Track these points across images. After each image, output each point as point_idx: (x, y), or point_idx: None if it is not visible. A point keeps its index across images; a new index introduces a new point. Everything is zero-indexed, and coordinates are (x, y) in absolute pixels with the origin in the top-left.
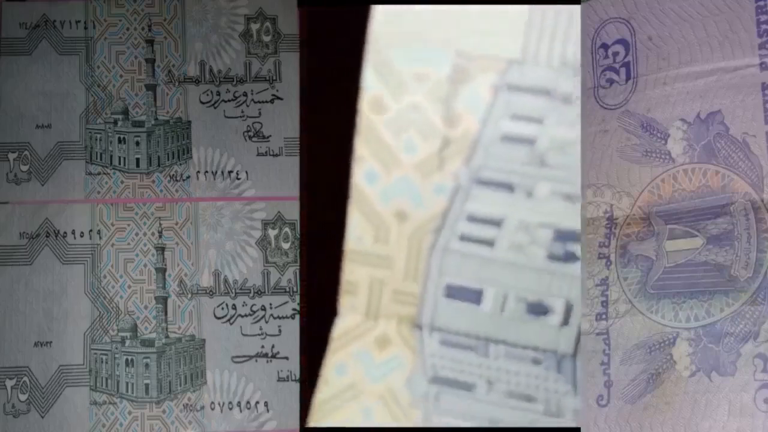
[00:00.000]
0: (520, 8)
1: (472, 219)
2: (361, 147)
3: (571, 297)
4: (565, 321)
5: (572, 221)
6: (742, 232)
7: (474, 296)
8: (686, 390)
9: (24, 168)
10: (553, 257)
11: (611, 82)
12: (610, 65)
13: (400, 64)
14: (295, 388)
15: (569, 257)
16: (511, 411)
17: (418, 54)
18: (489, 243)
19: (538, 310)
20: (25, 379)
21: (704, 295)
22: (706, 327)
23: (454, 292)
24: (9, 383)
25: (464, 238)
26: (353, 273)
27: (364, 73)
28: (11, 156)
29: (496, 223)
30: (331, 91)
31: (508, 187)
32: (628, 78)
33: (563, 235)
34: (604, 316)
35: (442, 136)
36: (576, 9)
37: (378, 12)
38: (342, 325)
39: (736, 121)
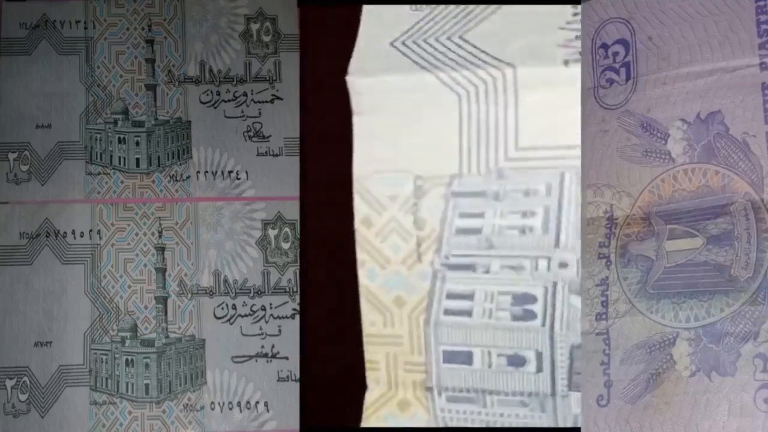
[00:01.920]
0: (453, 135)
1: (451, 296)
2: (360, 254)
3: (537, 347)
4: (539, 368)
5: (522, 287)
6: (742, 232)
7: (466, 357)
8: (686, 390)
9: (24, 168)
10: (515, 317)
11: (611, 82)
12: (610, 65)
13: (377, 190)
14: (295, 388)
15: (527, 315)
16: None
17: (388, 181)
18: (467, 313)
19: (517, 361)
20: (25, 379)
21: (704, 295)
22: (706, 327)
23: (450, 357)
24: (9, 383)
25: (448, 311)
26: (373, 353)
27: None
28: (11, 156)
29: (469, 296)
30: (332, 91)
31: (471, 268)
32: (628, 78)
33: (518, 299)
34: (604, 316)
35: (415, 236)
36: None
37: (356, 152)
38: (371, 396)
39: (736, 121)
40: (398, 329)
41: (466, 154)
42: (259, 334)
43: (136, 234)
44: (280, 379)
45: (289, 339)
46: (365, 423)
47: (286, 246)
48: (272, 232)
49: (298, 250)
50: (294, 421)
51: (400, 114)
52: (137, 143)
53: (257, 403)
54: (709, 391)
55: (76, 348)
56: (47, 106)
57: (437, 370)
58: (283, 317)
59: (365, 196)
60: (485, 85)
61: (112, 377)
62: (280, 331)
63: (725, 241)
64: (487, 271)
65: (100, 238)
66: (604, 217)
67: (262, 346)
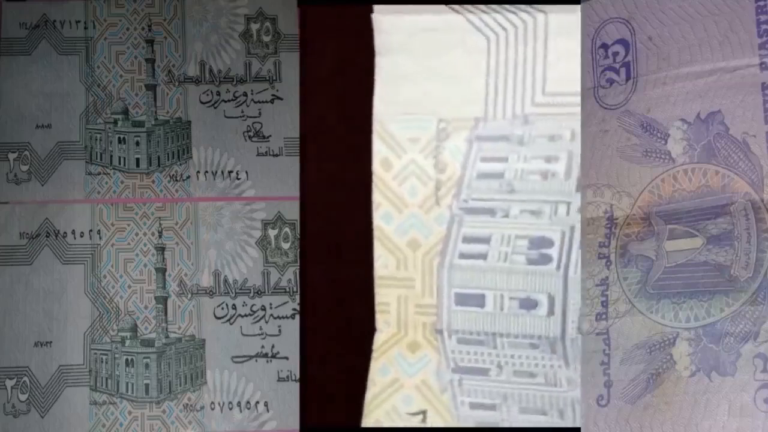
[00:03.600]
0: (479, 78)
1: (467, 240)
2: (377, 196)
3: (551, 291)
4: (551, 311)
5: (540, 231)
6: (742, 232)
7: (478, 300)
8: (686, 390)
9: (24, 168)
10: (530, 261)
11: (611, 82)
12: (610, 65)
13: (398, 133)
14: (295, 388)
15: (543, 259)
16: (518, 386)
17: (411, 124)
18: (482, 256)
19: (528, 305)
20: (25, 379)
21: (704, 295)
22: (706, 327)
23: (462, 299)
24: (9, 383)
25: (463, 255)
26: (384, 295)
27: (363, 73)
28: (11, 156)
29: (485, 240)
30: (332, 91)
31: (490, 212)
32: (628, 78)
33: (535, 243)
34: (604, 316)
35: (435, 180)
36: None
37: (378, 94)
38: (381, 338)
39: (736, 121)
40: (411, 272)
41: (492, 99)
42: (259, 334)
43: (136, 234)
44: (280, 379)
45: (289, 339)
46: (374, 363)
47: (286, 246)
48: (272, 232)
49: (298, 250)
50: (294, 421)
51: (426, 55)
52: (137, 143)
53: (257, 403)
54: (709, 391)
55: (76, 348)
56: (47, 106)
57: (448, 313)
58: (283, 317)
59: (385, 138)
60: (515, 30)
61: (112, 377)
62: (280, 331)
63: (725, 241)
64: (506, 215)
65: (100, 238)
66: (604, 217)
67: (262, 346)
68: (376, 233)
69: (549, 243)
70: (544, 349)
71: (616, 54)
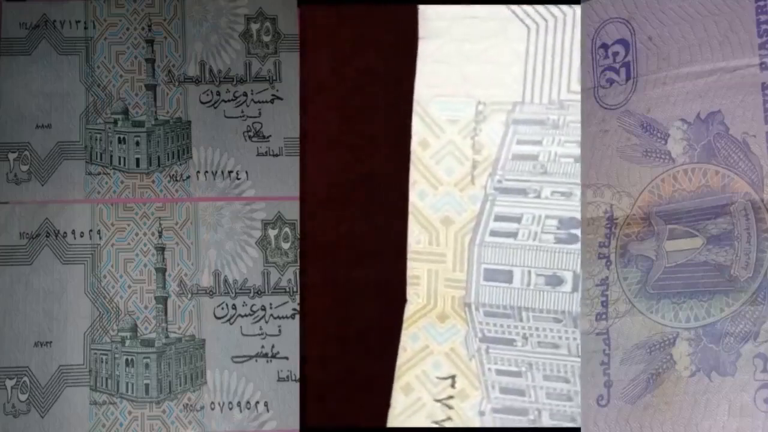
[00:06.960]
0: (518, 65)
1: (498, 218)
2: (414, 174)
3: (576, 269)
4: (575, 288)
5: (570, 212)
6: (742, 232)
7: (506, 276)
8: (686, 390)
9: (24, 168)
10: (559, 240)
11: (611, 82)
12: (610, 65)
13: (438, 114)
14: (295, 388)
15: (571, 239)
16: (542, 356)
17: (450, 105)
18: (513, 235)
19: (554, 281)
20: (25, 379)
21: (704, 295)
22: (706, 327)
23: (490, 275)
24: (9, 383)
25: (494, 233)
26: (416, 269)
27: (363, 72)
28: (11, 156)
29: (516, 219)
30: (332, 91)
31: (522, 192)
32: (628, 78)
33: (565, 223)
34: (604, 316)
35: (471, 160)
36: (570, 55)
37: (419, 76)
38: (411, 308)
39: (736, 121)
40: (443, 248)
41: (530, 84)
42: (259, 334)
43: (136, 234)
44: (280, 379)
45: (289, 339)
46: (405, 332)
47: (286, 246)
48: (272, 232)
49: (298, 250)
50: (294, 421)
51: (468, 41)
52: (137, 143)
53: (257, 403)
54: (709, 391)
55: (76, 348)
56: (47, 106)
57: (477, 287)
58: (283, 317)
59: (424, 118)
60: (555, 20)
61: (112, 377)
62: (280, 331)
63: (725, 241)
64: (538, 196)
65: (100, 238)
66: (604, 217)
67: (262, 346)
68: (411, 210)
69: (577, 224)
70: (567, 323)
71: (616, 54)
